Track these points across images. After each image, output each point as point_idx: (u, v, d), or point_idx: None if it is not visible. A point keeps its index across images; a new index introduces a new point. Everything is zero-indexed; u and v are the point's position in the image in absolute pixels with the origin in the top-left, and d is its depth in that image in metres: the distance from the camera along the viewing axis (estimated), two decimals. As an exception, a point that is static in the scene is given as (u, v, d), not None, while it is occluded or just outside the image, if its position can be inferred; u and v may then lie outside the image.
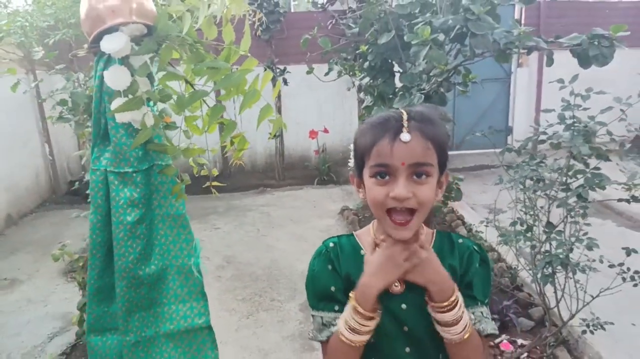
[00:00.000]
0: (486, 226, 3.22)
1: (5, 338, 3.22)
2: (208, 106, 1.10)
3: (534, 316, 3.21)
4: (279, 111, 6.42)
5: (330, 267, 1.13)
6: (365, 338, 1.05)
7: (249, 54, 1.04)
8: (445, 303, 1.02)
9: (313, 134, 6.57)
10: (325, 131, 6.60)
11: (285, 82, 6.20)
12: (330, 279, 1.13)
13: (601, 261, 2.51)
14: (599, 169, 2.20)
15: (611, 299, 3.12)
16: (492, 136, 2.71)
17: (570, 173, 2.29)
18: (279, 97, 6.37)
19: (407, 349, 1.10)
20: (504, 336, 3.03)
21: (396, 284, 1.08)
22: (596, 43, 2.38)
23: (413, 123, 1.00)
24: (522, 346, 2.93)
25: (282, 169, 6.66)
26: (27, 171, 5.81)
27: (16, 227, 5.33)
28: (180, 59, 1.06)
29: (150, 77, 1.04)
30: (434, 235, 1.16)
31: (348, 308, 1.05)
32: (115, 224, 1.10)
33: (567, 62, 2.38)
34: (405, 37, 2.82)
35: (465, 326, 1.03)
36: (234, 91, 1.01)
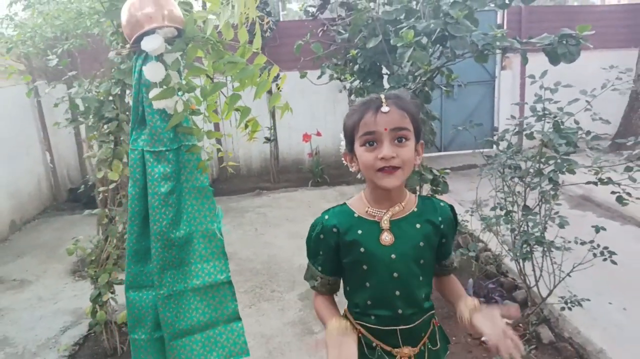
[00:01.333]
0: (471, 215, 3.45)
1: (20, 332, 3.39)
2: (225, 96, 1.32)
3: (517, 298, 3.43)
4: (273, 115, 6.65)
5: (322, 236, 1.38)
6: None
7: (259, 52, 1.27)
8: None
9: (306, 137, 6.79)
10: (318, 134, 6.83)
11: (278, 88, 6.42)
12: (320, 245, 1.38)
13: (576, 242, 2.75)
14: (568, 154, 2.44)
15: (590, 281, 3.37)
16: (472, 129, 2.94)
17: (542, 160, 2.53)
18: (272, 102, 6.59)
19: (397, 293, 1.33)
20: (490, 316, 3.25)
21: (386, 237, 1.31)
22: (564, 42, 2.64)
23: (390, 101, 1.25)
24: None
25: (277, 172, 6.87)
26: (29, 179, 5.97)
27: (20, 232, 5.49)
28: (203, 57, 1.28)
29: (179, 72, 1.26)
30: (417, 198, 1.39)
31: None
32: (151, 195, 1.32)
33: (549, 65, 2.60)
34: (391, 41, 3.06)
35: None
36: (249, 81, 1.23)
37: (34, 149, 6.15)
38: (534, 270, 2.85)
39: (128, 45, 1.24)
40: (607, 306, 3.32)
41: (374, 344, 1.38)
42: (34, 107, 6.10)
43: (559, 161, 2.41)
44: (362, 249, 1.32)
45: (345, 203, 1.41)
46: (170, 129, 1.29)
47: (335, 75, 4.16)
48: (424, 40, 2.92)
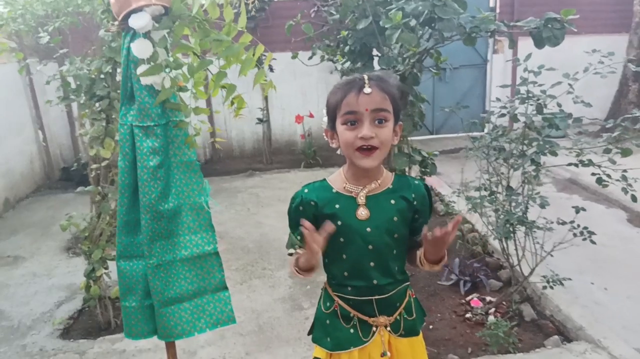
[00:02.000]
0: (458, 195, 3.52)
1: (15, 307, 3.45)
2: (211, 73, 1.36)
3: (502, 278, 3.53)
4: (266, 97, 6.66)
5: (301, 208, 1.45)
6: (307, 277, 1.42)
7: (245, 30, 1.31)
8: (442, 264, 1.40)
9: (299, 118, 6.82)
10: (311, 115, 6.85)
11: (271, 68, 6.45)
12: (298, 216, 1.43)
13: (558, 223, 2.83)
14: (550, 137, 2.50)
15: (574, 262, 3.47)
16: (460, 112, 2.99)
17: (526, 142, 2.59)
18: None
19: (372, 264, 1.40)
20: (474, 294, 3.34)
21: (362, 212, 1.37)
22: (549, 26, 2.68)
23: (372, 82, 1.29)
24: (490, 302, 3.24)
25: (270, 154, 6.91)
26: (22, 158, 5.98)
27: (14, 210, 5.52)
28: (190, 35, 1.32)
29: (166, 49, 1.31)
30: (393, 176, 1.45)
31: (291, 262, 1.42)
32: (140, 169, 1.37)
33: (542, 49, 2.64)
34: (381, 23, 3.09)
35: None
36: (234, 59, 1.27)
37: (26, 128, 6.15)
38: (516, 249, 2.93)
39: (116, 23, 1.28)
40: (589, 285, 3.42)
41: (351, 315, 1.45)
42: (26, 85, 6.09)
43: (541, 142, 2.47)
44: (339, 223, 1.38)
45: (325, 179, 1.47)
46: (158, 105, 1.34)
47: (326, 57, 4.18)
48: (413, 22, 2.96)
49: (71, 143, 6.84)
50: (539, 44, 2.71)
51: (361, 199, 1.39)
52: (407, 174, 4.03)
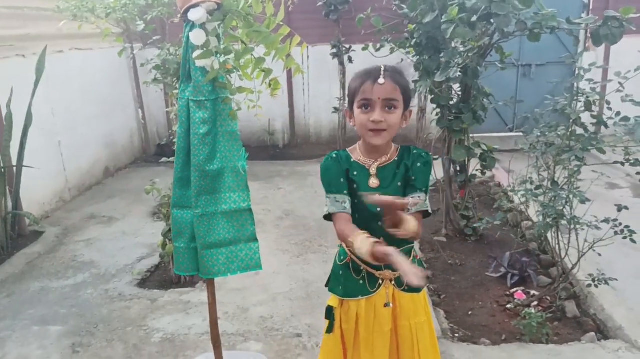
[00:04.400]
0: (511, 191, 3.57)
1: (104, 258, 4.00)
2: (254, 58, 1.63)
3: (552, 275, 3.53)
4: (343, 86, 6.92)
5: (336, 159, 1.67)
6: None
7: (282, 23, 1.57)
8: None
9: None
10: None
11: (350, 60, 6.68)
12: (339, 172, 1.65)
13: (606, 222, 2.83)
14: (596, 134, 2.53)
15: (635, 266, 3.40)
16: (509, 106, 3.05)
17: (573, 137, 2.63)
18: (344, 74, 6.87)
19: (380, 224, 1.60)
20: (520, 288, 3.40)
21: (374, 181, 1.59)
22: (608, 24, 2.68)
23: (387, 73, 1.51)
24: (534, 296, 3.28)
25: (344, 142, 7.16)
26: (124, 132, 6.71)
27: (113, 178, 6.24)
28: (238, 26, 1.60)
29: (218, 37, 1.60)
30: (399, 149, 1.66)
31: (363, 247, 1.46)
32: (192, 135, 1.69)
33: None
34: (443, 17, 3.21)
35: None
36: (271, 46, 1.54)
37: (129, 107, 6.87)
38: (558, 244, 2.96)
39: (179, 15, 1.59)
40: (643, 289, 3.35)
41: (361, 268, 1.69)
42: (130, 68, 6.79)
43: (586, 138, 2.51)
44: (354, 186, 1.63)
45: (345, 149, 1.71)
46: (209, 83, 1.64)
47: (396, 49, 4.34)
48: (474, 17, 3.05)
49: (166, 122, 7.51)
50: (596, 41, 2.72)
51: (373, 171, 1.63)
52: (466, 166, 4.13)
